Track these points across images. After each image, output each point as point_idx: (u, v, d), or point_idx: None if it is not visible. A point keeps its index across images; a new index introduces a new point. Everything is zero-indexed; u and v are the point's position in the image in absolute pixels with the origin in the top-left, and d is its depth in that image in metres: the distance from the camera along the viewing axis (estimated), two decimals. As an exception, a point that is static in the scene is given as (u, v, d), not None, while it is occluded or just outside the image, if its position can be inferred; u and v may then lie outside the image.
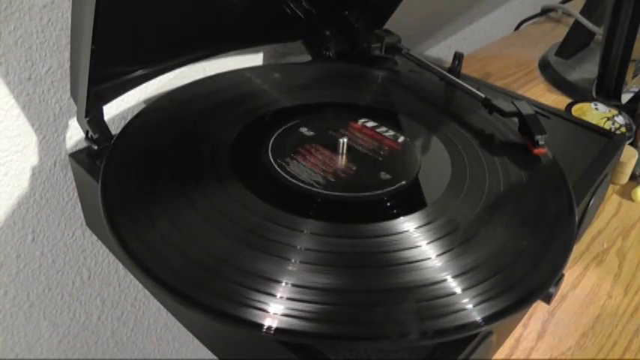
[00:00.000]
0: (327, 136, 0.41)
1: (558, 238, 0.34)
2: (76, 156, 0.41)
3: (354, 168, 0.38)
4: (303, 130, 0.42)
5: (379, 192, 0.36)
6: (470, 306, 0.28)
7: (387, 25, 0.56)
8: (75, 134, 0.45)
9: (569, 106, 0.61)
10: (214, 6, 0.44)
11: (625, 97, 0.64)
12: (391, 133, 0.43)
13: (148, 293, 0.60)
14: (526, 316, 0.41)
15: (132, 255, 0.30)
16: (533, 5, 0.97)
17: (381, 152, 0.40)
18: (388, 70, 0.54)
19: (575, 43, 0.77)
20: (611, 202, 0.53)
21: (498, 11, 0.98)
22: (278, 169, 0.37)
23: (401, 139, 0.42)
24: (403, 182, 0.37)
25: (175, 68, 0.45)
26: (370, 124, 0.44)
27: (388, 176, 0.38)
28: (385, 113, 0.46)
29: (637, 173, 0.55)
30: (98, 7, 0.30)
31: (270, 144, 0.40)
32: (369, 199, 0.35)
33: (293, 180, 0.36)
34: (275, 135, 0.41)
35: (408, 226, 0.33)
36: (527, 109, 0.43)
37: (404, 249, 0.31)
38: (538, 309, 0.42)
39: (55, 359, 0.55)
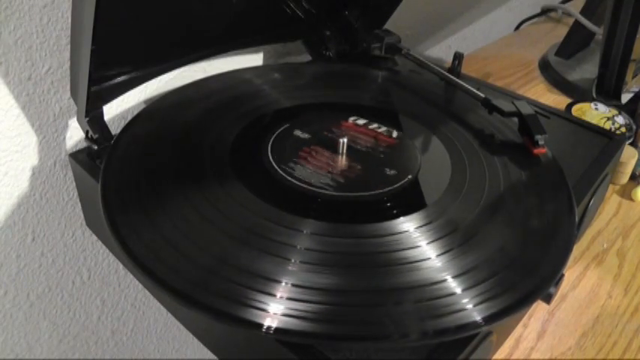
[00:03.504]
0: (328, 135, 0.41)
1: (558, 238, 0.34)
2: (76, 156, 0.41)
3: (354, 168, 0.38)
4: (304, 129, 0.42)
5: (379, 192, 0.36)
6: (470, 306, 0.28)
7: (387, 25, 0.56)
8: (75, 134, 0.45)
9: (569, 106, 0.61)
10: (214, 6, 0.44)
11: (625, 97, 0.64)
12: (386, 130, 0.43)
13: (147, 293, 0.60)
14: (526, 316, 0.41)
15: (132, 255, 0.30)
16: (533, 5, 0.97)
17: (381, 153, 0.40)
18: (388, 70, 0.54)
19: (575, 43, 0.77)
20: (611, 202, 0.53)
21: (498, 11, 0.98)
22: (277, 168, 0.37)
23: (396, 134, 0.42)
24: (403, 182, 0.37)
25: (175, 68, 0.45)
26: (363, 122, 0.44)
27: (388, 177, 0.38)
28: (385, 113, 0.46)
29: (637, 173, 0.55)
30: (98, 7, 0.30)
31: (270, 144, 0.40)
32: (369, 199, 0.35)
33: (292, 179, 0.36)
34: (275, 135, 0.41)
35: (408, 226, 0.33)
36: (527, 109, 0.43)
37: (404, 249, 0.31)
38: (538, 309, 0.42)
39: (55, 359, 0.55)
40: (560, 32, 0.80)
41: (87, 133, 0.40)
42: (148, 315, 0.63)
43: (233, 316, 0.27)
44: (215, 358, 0.36)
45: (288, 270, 0.29)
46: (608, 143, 0.47)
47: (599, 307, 0.42)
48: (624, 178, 0.55)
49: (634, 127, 0.58)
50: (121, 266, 0.56)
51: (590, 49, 0.79)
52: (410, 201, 0.36)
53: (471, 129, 0.44)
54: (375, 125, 0.43)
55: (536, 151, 0.41)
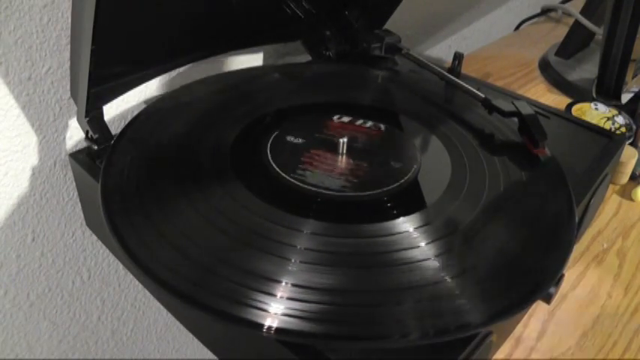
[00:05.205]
0: (327, 135, 0.41)
1: (558, 238, 0.34)
2: (76, 156, 0.41)
3: (354, 167, 0.38)
4: (304, 129, 0.42)
5: (379, 192, 0.36)
6: (470, 306, 0.28)
7: (387, 25, 0.56)
8: (75, 134, 0.45)
9: (569, 106, 0.61)
10: (214, 6, 0.44)
11: (625, 97, 0.64)
12: (380, 127, 0.43)
13: (147, 293, 0.60)
14: (526, 316, 0.41)
15: (132, 255, 0.30)
16: (533, 5, 0.97)
17: (380, 153, 0.40)
18: (388, 70, 0.54)
19: (575, 43, 0.77)
20: (611, 202, 0.53)
21: (498, 11, 0.98)
22: (277, 168, 0.37)
23: (383, 127, 0.42)
24: (403, 182, 0.37)
25: (175, 68, 0.46)
26: (362, 122, 0.44)
27: (387, 177, 0.38)
28: (386, 113, 0.46)
29: (637, 173, 0.55)
30: (98, 7, 0.30)
31: (270, 143, 0.40)
32: (368, 199, 0.35)
33: (292, 179, 0.36)
34: (275, 135, 0.41)
35: (408, 226, 0.33)
36: (527, 109, 0.43)
37: (404, 249, 0.31)
38: (538, 309, 0.42)
39: (55, 359, 0.55)
40: (560, 32, 0.80)
41: (87, 133, 0.40)
42: (148, 315, 0.63)
43: (233, 316, 0.27)
44: (215, 358, 0.36)
45: (289, 270, 0.29)
46: (608, 143, 0.47)
47: (599, 307, 0.42)
48: (624, 178, 0.55)
49: (634, 127, 0.58)
50: (121, 266, 0.56)
51: (590, 49, 0.79)
52: (410, 201, 0.36)
53: (471, 129, 0.44)
54: (370, 124, 0.43)
55: (536, 150, 0.41)
